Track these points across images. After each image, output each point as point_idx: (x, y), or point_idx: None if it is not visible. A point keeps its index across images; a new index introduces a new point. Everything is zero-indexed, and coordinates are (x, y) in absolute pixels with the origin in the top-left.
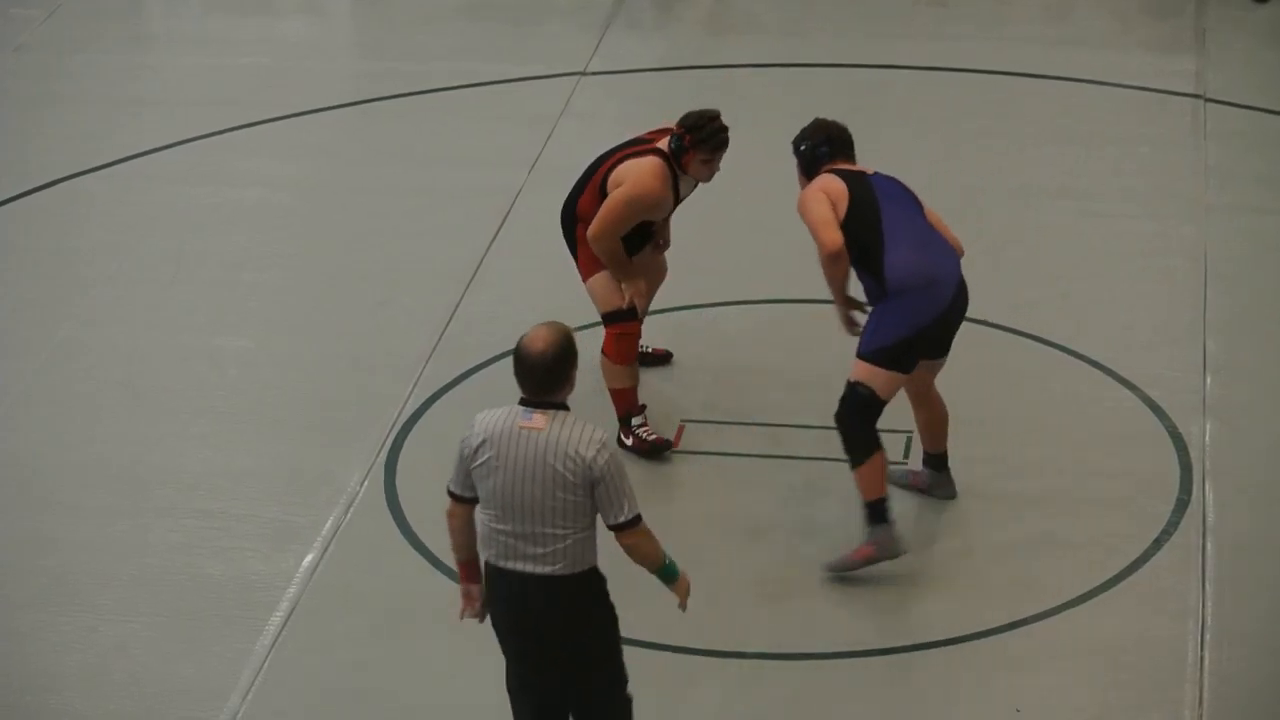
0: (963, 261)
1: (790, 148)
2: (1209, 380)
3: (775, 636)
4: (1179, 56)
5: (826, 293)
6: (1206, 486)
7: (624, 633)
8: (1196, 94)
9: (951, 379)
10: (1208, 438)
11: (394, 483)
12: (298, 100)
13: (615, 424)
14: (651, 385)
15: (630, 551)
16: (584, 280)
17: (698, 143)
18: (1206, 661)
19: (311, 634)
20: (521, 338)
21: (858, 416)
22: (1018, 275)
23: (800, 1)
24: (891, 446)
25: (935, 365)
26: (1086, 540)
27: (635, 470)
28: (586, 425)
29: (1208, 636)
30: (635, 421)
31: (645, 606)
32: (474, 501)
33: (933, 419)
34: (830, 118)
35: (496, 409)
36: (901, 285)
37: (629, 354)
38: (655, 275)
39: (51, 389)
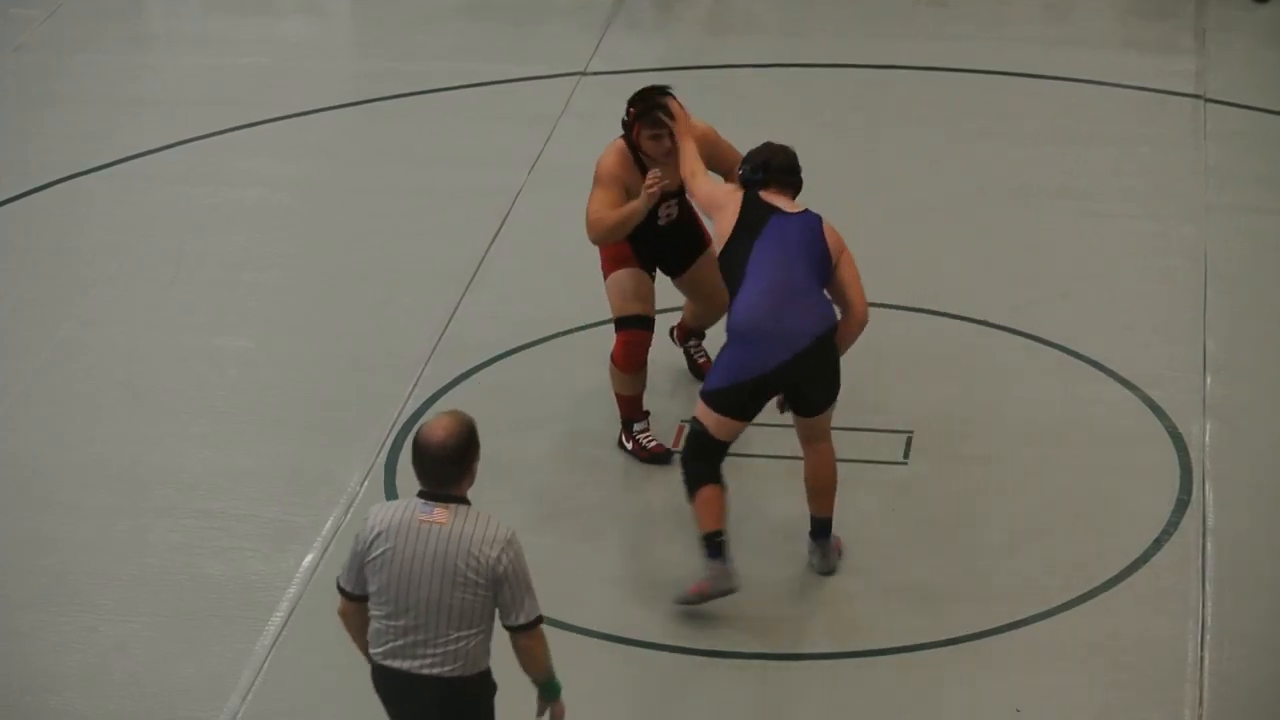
0: (961, 262)
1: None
2: (1209, 380)
3: (775, 636)
4: (1179, 56)
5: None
6: (1206, 486)
7: (625, 633)
8: (1196, 94)
9: (952, 378)
10: (1208, 438)
11: (394, 483)
12: (298, 100)
13: (611, 433)
14: (652, 386)
15: (523, 654)
16: (604, 279)
17: (639, 116)
18: (1206, 661)
19: (311, 634)
20: (420, 427)
21: (689, 450)
22: (1018, 275)
23: (800, 1)
24: (889, 446)
25: (808, 423)
26: (1086, 540)
27: (634, 471)
28: (490, 521)
29: (1208, 636)
30: (637, 428)
31: (645, 607)
32: (367, 599)
33: (811, 477)
34: (781, 142)
35: (394, 501)
36: (735, 328)
37: (635, 361)
38: (715, 307)
39: (51, 389)
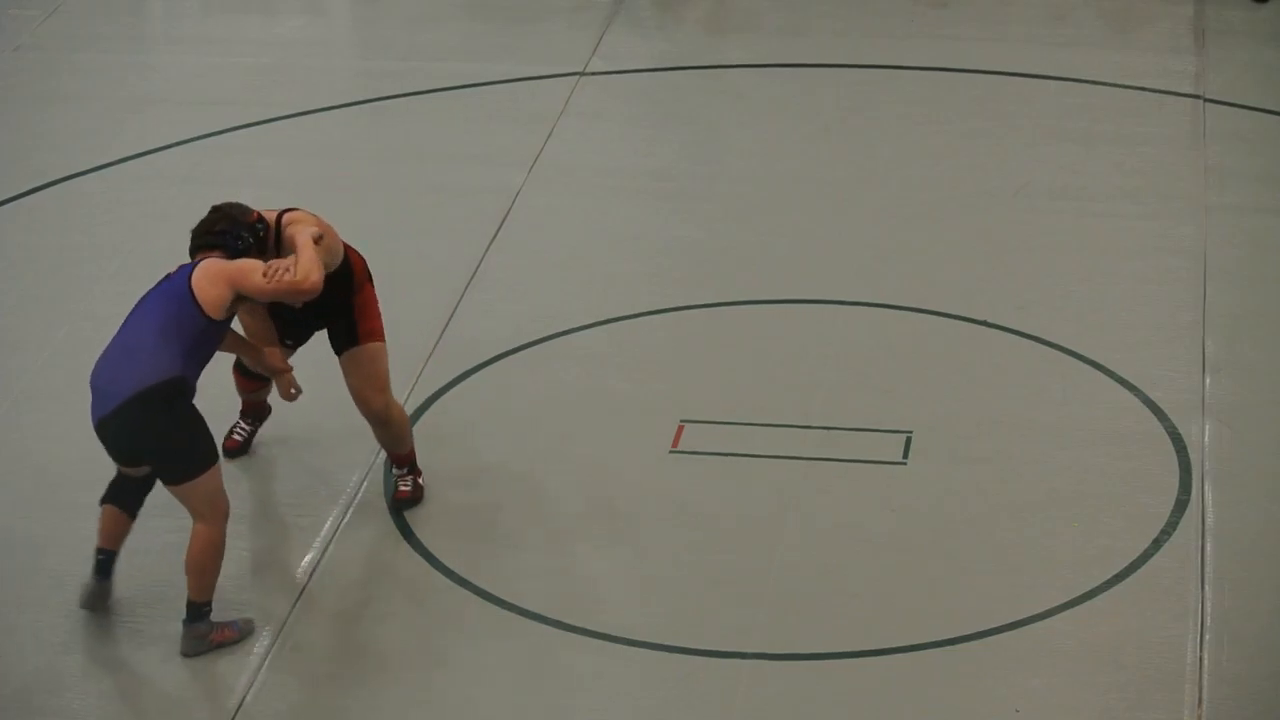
0: (961, 262)
1: (786, 147)
2: (1209, 380)
3: (775, 636)
4: (1179, 56)
5: (825, 294)
6: (1206, 486)
7: (626, 633)
8: (1196, 94)
9: (952, 378)
10: (1208, 438)
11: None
12: (298, 100)
13: (607, 433)
14: (651, 386)
15: None
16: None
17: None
18: (1206, 661)
19: (311, 634)
20: None
21: None
22: (1018, 275)
23: (800, 1)
24: (889, 446)
25: (173, 494)
26: (1086, 540)
27: (630, 471)
28: None
29: (1208, 636)
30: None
31: (644, 607)
32: None
33: (186, 554)
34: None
35: None
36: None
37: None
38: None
39: (52, 388)
